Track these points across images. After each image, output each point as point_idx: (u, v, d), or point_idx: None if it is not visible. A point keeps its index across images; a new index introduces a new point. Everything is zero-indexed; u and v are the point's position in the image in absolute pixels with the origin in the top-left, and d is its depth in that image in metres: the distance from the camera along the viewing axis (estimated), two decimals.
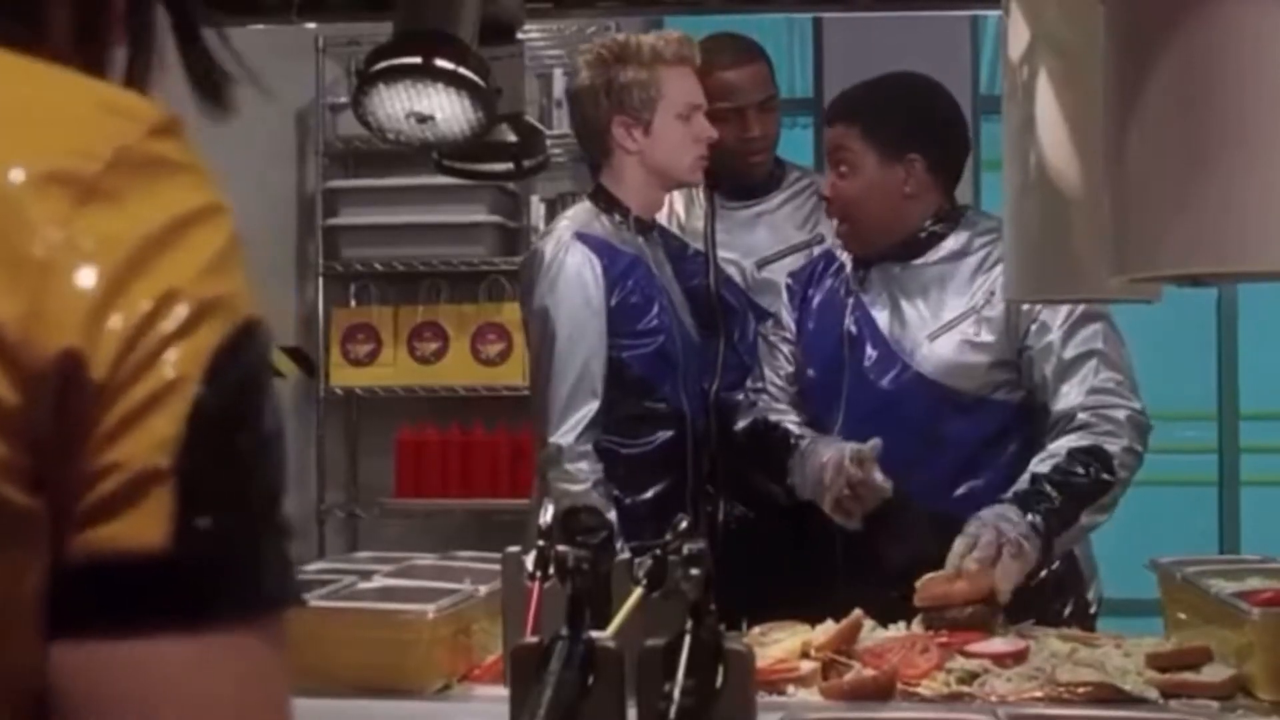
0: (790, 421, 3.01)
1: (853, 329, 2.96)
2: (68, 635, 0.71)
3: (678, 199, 3.48)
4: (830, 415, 2.95)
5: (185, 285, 0.73)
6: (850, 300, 2.99)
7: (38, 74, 0.75)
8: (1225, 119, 1.46)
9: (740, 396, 3.15)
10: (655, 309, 3.12)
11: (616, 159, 3.18)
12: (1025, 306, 2.80)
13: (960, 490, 2.82)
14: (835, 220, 3.01)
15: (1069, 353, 2.78)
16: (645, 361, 3.10)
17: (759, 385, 3.10)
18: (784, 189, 3.49)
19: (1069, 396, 2.76)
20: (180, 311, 0.72)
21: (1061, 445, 2.71)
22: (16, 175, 0.71)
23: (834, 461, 2.77)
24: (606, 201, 3.18)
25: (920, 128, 2.96)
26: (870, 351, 2.93)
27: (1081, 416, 2.74)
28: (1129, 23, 1.54)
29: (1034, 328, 2.81)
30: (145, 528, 0.70)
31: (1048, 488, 2.65)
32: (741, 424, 3.09)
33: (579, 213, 3.20)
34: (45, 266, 0.70)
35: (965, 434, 2.86)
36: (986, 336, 2.84)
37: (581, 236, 3.09)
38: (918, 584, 2.50)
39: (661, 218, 3.45)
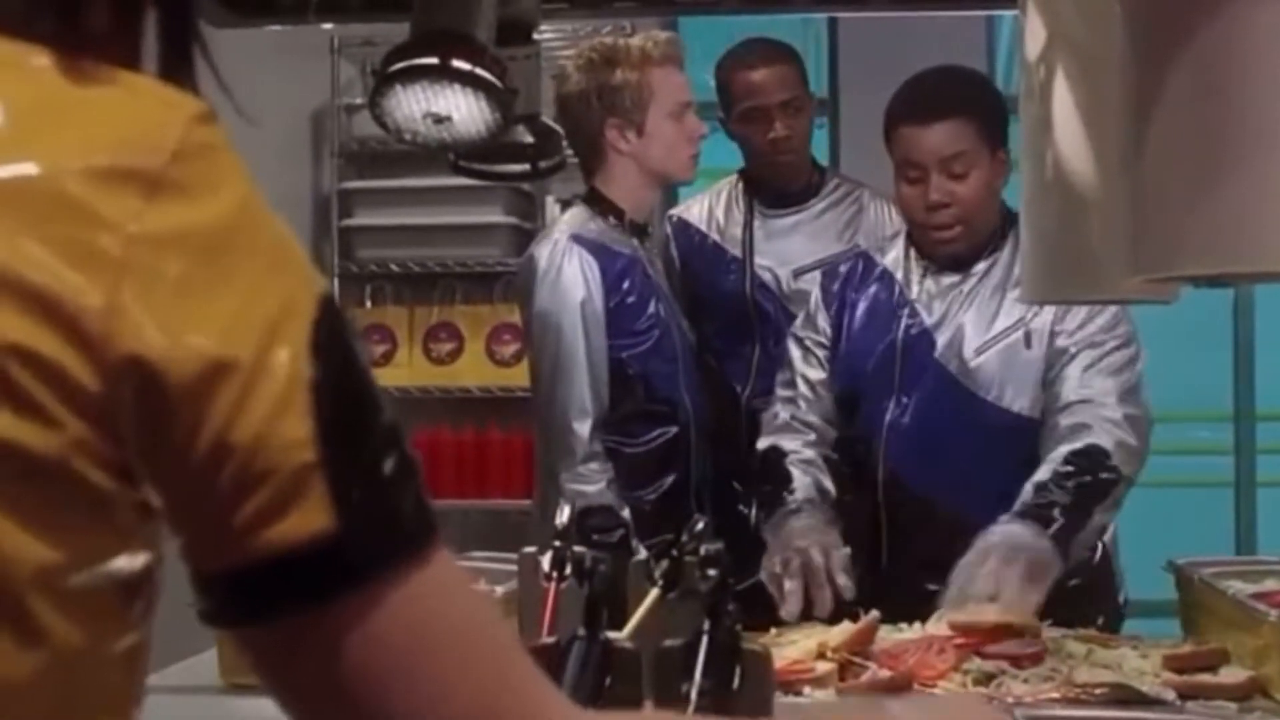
0: (803, 456, 2.83)
1: (903, 340, 2.83)
2: (264, 620, 0.77)
3: (719, 204, 3.50)
4: (873, 427, 2.84)
5: (267, 275, 0.76)
6: (904, 310, 2.85)
7: (83, 71, 0.76)
8: (1242, 119, 1.46)
9: (772, 408, 2.98)
10: (652, 307, 3.14)
11: (610, 161, 3.19)
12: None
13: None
14: (940, 226, 2.78)
15: (1071, 361, 2.72)
16: (643, 360, 3.11)
17: (790, 392, 2.93)
18: (823, 197, 3.50)
19: (1062, 399, 2.70)
20: (271, 305, 0.75)
21: (1058, 453, 2.62)
22: (82, 172, 0.73)
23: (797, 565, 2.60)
24: (600, 204, 3.19)
25: (1004, 122, 2.81)
26: (923, 364, 2.81)
27: (1071, 420, 2.66)
28: (1146, 22, 1.54)
29: (1058, 341, 2.75)
30: (312, 518, 0.75)
31: (1054, 493, 2.55)
32: (761, 444, 2.91)
33: (574, 216, 3.22)
34: (122, 264, 0.72)
35: (1015, 453, 2.73)
36: (1036, 351, 2.76)
37: (577, 239, 3.11)
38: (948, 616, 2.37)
39: (701, 223, 3.48)
